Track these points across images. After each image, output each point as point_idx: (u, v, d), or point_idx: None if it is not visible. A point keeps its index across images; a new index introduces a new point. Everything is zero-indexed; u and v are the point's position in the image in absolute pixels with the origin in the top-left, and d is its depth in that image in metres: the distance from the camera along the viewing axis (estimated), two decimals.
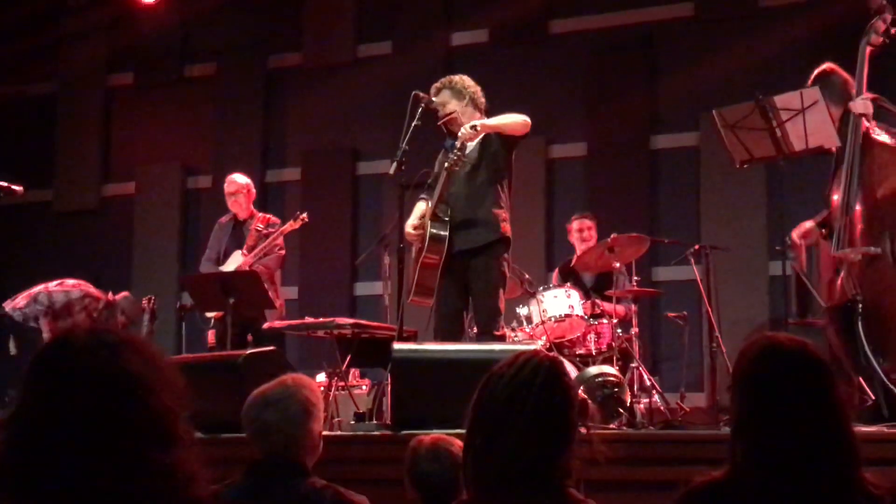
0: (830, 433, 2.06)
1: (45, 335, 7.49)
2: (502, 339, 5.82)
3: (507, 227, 5.77)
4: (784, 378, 2.08)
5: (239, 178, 7.75)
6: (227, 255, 7.49)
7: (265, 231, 7.41)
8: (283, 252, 7.52)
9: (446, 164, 5.60)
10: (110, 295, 7.82)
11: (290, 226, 7.31)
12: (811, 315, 5.39)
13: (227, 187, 7.69)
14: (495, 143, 5.80)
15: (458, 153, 5.50)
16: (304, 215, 7.30)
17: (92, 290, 7.77)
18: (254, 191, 7.82)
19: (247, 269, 7.13)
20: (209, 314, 7.30)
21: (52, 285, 7.63)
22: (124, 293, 7.94)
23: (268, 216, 7.67)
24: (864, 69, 5.23)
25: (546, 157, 9.19)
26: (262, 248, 7.31)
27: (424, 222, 5.78)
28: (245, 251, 7.37)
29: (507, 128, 5.71)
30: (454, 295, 5.81)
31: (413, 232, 5.76)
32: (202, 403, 1.75)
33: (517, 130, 5.74)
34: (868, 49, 5.24)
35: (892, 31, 5.25)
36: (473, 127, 5.58)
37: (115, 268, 9.99)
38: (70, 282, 7.70)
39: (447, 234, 5.71)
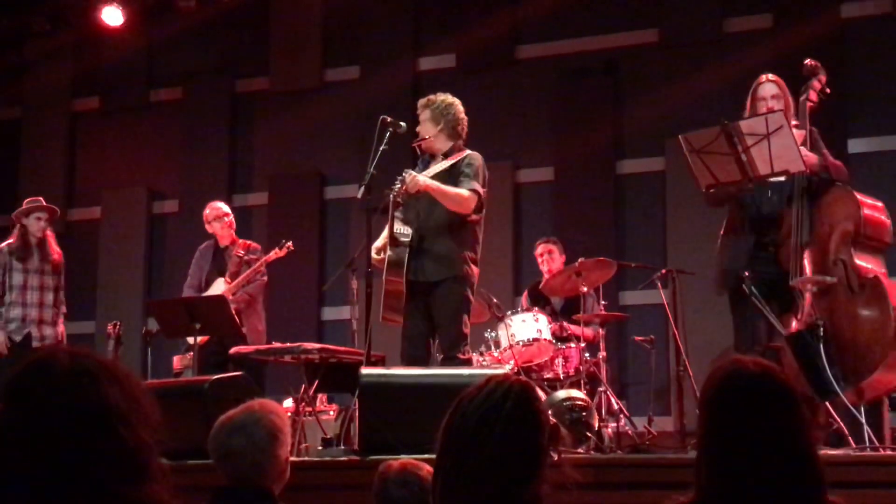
0: (795, 456, 2.07)
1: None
2: (468, 363, 5.81)
3: (468, 269, 5.71)
4: (748, 402, 2.09)
5: (222, 205, 7.72)
6: (209, 283, 7.42)
7: (247, 257, 7.36)
8: (265, 279, 7.48)
9: (392, 194, 5.58)
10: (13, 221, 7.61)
11: (276, 254, 7.27)
12: (776, 339, 5.43)
13: (211, 213, 7.61)
14: (457, 173, 5.79)
15: (399, 188, 5.48)
16: (290, 243, 7.27)
17: None
18: (233, 217, 7.75)
19: (229, 296, 7.07)
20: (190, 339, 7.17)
21: None
22: (28, 205, 7.61)
23: (248, 242, 7.62)
24: (806, 124, 5.45)
25: (513, 181, 9.22)
26: (246, 275, 7.26)
27: (385, 247, 5.77)
28: (228, 278, 7.31)
29: (445, 199, 5.65)
30: (419, 319, 5.79)
31: (376, 256, 5.75)
32: (168, 429, 1.73)
33: (452, 206, 5.67)
34: (808, 105, 5.50)
35: (826, 90, 5.55)
36: (415, 181, 5.53)
37: (80, 292, 9.89)
38: None
39: (406, 257, 5.69)
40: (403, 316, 5.74)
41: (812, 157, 5.29)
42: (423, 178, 5.59)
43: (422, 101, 5.93)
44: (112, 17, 9.91)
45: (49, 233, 7.63)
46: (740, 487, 2.04)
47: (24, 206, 7.60)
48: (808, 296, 5.19)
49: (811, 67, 5.56)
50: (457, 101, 5.94)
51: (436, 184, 5.63)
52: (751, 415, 2.08)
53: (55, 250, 7.66)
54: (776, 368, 2.18)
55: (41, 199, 7.71)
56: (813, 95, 5.50)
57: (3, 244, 7.60)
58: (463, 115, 5.92)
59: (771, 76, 5.60)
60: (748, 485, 2.03)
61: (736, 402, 2.10)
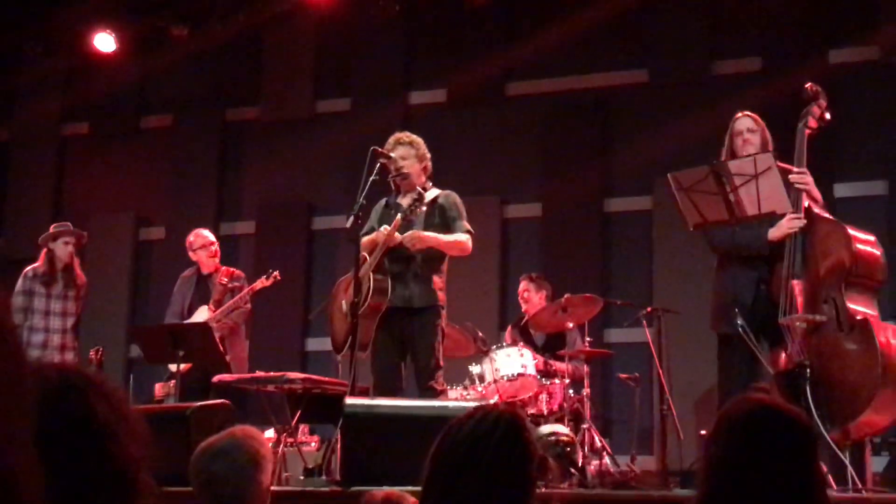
0: (813, 496, 2.10)
1: None
2: (443, 393, 5.91)
3: (442, 297, 5.91)
4: (781, 442, 2.12)
5: (207, 233, 7.67)
6: (191, 311, 7.36)
7: (231, 285, 7.31)
8: (248, 306, 7.43)
9: (399, 215, 5.64)
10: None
11: (262, 283, 7.20)
12: (761, 380, 5.42)
13: (197, 240, 7.55)
14: (445, 215, 5.92)
15: (415, 206, 5.56)
16: (276, 273, 7.22)
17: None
18: (217, 245, 7.73)
19: (213, 323, 7.01)
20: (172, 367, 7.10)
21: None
22: (56, 230, 7.54)
23: (231, 269, 7.56)
24: (803, 151, 5.38)
25: (501, 216, 9.25)
26: (232, 304, 7.20)
27: (367, 273, 5.77)
28: (212, 306, 7.27)
29: (448, 248, 5.88)
30: (392, 349, 5.86)
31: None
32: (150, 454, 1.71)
33: (455, 253, 5.93)
34: (806, 132, 5.41)
35: (826, 116, 5.44)
36: (419, 237, 5.70)
37: None
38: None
39: (389, 285, 5.74)
40: (372, 348, 5.80)
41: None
42: (425, 234, 5.75)
43: (401, 138, 6.01)
44: (105, 43, 9.93)
45: (75, 258, 7.58)
46: None
47: (51, 231, 7.52)
48: (797, 334, 5.18)
49: (812, 92, 5.44)
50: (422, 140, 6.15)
51: (435, 237, 5.79)
52: (781, 454, 2.10)
53: (80, 276, 7.61)
54: (802, 412, 2.23)
55: (69, 223, 7.65)
56: (812, 122, 5.39)
57: (29, 268, 7.52)
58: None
59: (747, 112, 5.59)
60: None
61: (771, 440, 2.12)
